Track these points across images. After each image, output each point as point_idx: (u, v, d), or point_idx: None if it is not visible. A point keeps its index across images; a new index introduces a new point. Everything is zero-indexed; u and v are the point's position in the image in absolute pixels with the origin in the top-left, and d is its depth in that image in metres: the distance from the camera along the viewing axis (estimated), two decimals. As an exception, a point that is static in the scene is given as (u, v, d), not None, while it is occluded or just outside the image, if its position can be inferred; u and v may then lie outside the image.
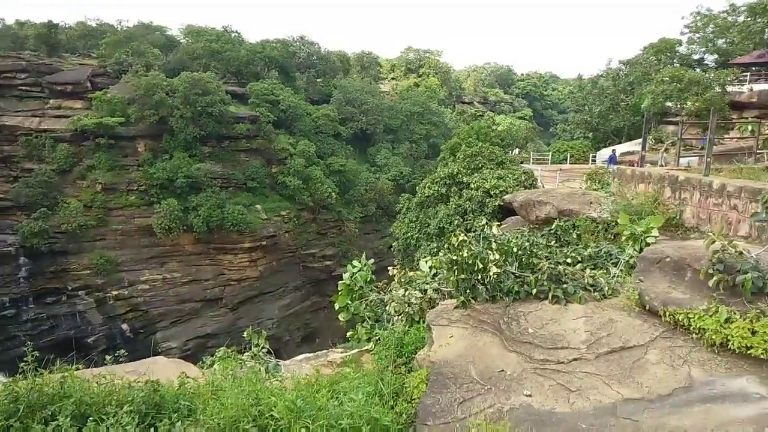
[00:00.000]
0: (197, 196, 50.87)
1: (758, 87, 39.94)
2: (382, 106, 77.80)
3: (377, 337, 8.52)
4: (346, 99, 73.11)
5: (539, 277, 7.79)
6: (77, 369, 5.76)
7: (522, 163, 33.95)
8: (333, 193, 60.60)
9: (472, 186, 24.98)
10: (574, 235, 10.55)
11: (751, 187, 8.01)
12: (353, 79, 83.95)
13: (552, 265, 8.03)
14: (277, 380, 6.65)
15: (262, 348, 8.53)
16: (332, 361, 9.20)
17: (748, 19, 42.40)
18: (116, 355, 6.69)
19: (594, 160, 37.76)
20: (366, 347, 9.32)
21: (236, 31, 71.27)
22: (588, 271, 8.16)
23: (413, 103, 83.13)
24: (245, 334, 8.96)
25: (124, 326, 48.57)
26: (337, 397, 5.86)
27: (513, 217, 17.73)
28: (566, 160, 42.10)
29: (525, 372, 6.08)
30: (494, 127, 64.30)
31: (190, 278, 51.46)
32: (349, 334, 9.95)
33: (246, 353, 8.47)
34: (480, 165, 26.60)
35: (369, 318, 9.71)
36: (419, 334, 8.09)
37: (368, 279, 10.72)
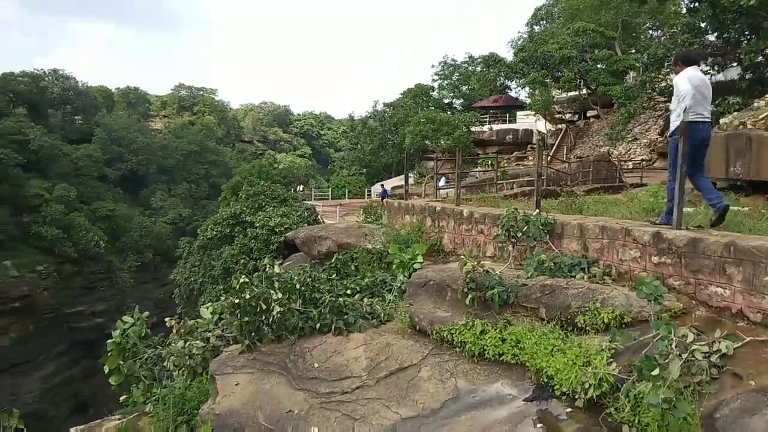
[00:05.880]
0: None
1: (496, 127, 47.34)
2: (154, 145, 73.10)
3: (155, 398, 7.81)
4: (111, 138, 67.09)
5: (322, 311, 7.98)
6: None
7: (305, 199, 34.80)
8: (101, 242, 54.42)
9: (257, 225, 24.80)
10: (353, 267, 11.10)
11: (492, 213, 9.31)
12: (119, 116, 77.48)
13: (333, 298, 8.31)
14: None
15: (16, 429, 7.15)
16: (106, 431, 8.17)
17: (484, 69, 50.13)
18: None
19: (369, 195, 40.44)
20: (144, 410, 8.48)
21: (-29, 63, 60.81)
22: (366, 300, 8.63)
23: (189, 141, 79.72)
24: (-8, 417, 7.40)
25: None
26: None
27: (297, 254, 17.94)
28: (345, 195, 44.36)
29: (312, 408, 6.13)
30: (276, 165, 64.95)
31: None
32: (122, 398, 8.93)
33: (-5, 440, 7.02)
34: (263, 203, 26.56)
35: (145, 377, 8.86)
36: (203, 387, 7.65)
37: (143, 334, 9.81)
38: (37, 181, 54.03)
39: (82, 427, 8.87)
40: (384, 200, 24.87)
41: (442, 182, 24.43)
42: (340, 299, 8.38)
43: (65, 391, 49.07)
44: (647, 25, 42.95)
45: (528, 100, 45.94)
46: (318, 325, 7.83)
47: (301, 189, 41.23)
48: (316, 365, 7.01)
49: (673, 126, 6.50)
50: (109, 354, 9.15)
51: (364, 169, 52.38)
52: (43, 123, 62.04)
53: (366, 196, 40.43)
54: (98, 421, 8.95)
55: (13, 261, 47.87)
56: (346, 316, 7.94)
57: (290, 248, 20.92)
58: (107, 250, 56.44)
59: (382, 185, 37.21)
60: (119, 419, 8.64)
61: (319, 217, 26.16)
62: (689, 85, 6.23)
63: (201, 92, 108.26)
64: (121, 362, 8.96)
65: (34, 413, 38.87)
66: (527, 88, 43.81)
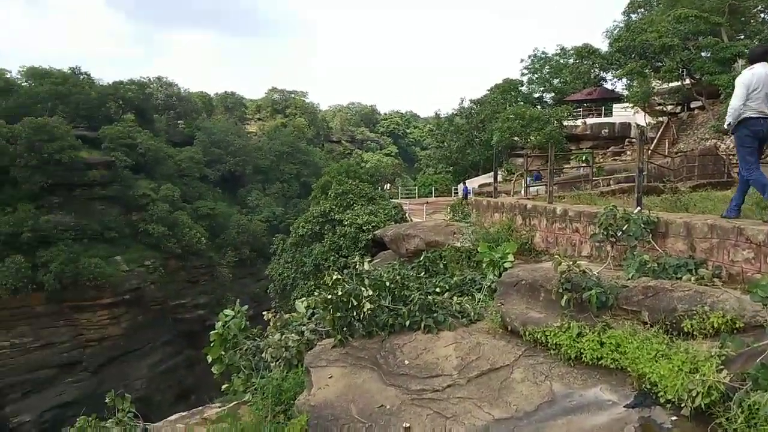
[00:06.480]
0: (47, 250, 45.85)
1: (590, 121, 45.32)
2: (249, 147, 76.84)
3: (254, 387, 8.20)
4: (211, 140, 71.19)
5: (411, 309, 8.02)
6: None
7: (391, 198, 35.14)
8: (202, 238, 58.00)
9: (345, 223, 25.36)
10: (441, 265, 11.06)
11: (588, 211, 8.94)
12: (217, 120, 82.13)
13: (422, 296, 8.32)
14: (145, 446, 6.15)
15: (129, 412, 7.80)
16: (207, 418, 8.66)
17: (577, 61, 48.12)
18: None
19: (456, 193, 40.14)
20: (244, 399, 8.92)
21: (86, 73, 66.71)
22: (455, 298, 8.58)
23: (282, 143, 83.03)
24: (107, 399, 8.12)
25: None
26: (212, 456, 5.55)
27: (385, 251, 18.18)
28: (431, 193, 44.27)
29: (403, 404, 6.19)
30: (363, 165, 66.09)
31: (42, 342, 45.86)
32: (224, 387, 9.45)
33: (110, 420, 7.69)
34: (351, 202, 27.13)
35: (245, 368, 9.31)
36: (298, 379, 7.93)
37: (243, 326, 10.31)
38: (144, 181, 58.52)
39: (185, 413, 9.45)
40: (467, 199, 24.56)
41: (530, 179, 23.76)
42: (429, 297, 8.38)
43: (170, 378, 52.81)
44: (758, 8, 39.33)
45: (625, 92, 43.60)
46: (407, 323, 7.87)
47: (387, 187, 41.69)
48: (406, 362, 7.07)
49: (727, 121, 6.72)
50: (211, 344, 9.71)
51: (451, 167, 51.94)
52: (149, 127, 67.10)
53: (453, 194, 40.16)
54: (200, 408, 9.48)
55: (124, 256, 52.23)
56: (435, 314, 7.93)
57: (378, 246, 21.22)
58: (208, 247, 60.05)
59: (464, 183, 36.80)
60: (219, 407, 9.13)
61: (406, 215, 26.32)
62: (744, 82, 6.44)
63: (292, 95, 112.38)
64: (223, 352, 9.46)
65: (143, 398, 42.07)
66: (624, 80, 41.66)
